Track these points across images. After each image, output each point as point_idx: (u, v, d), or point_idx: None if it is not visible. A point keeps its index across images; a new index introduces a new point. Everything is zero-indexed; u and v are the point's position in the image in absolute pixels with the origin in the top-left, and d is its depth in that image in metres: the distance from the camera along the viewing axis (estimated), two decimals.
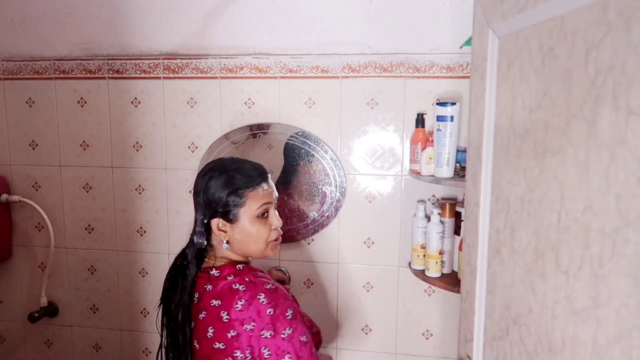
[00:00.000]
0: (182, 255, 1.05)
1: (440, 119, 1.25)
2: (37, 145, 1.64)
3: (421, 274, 1.39)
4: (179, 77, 1.53)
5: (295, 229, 1.52)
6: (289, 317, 0.92)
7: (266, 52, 1.48)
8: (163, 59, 1.53)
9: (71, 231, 1.67)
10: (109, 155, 1.61)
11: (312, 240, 1.54)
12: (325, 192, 1.50)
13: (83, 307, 1.70)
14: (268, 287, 0.94)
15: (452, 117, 1.24)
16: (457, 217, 1.36)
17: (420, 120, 1.36)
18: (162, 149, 1.58)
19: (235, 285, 0.94)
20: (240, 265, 1.00)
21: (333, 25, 1.44)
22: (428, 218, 1.39)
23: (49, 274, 1.66)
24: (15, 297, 1.73)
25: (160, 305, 1.05)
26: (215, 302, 0.93)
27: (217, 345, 0.92)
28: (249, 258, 1.06)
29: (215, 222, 0.99)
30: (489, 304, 0.82)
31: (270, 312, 0.90)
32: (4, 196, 1.62)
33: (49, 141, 1.63)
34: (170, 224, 1.61)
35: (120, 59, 1.55)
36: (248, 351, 0.90)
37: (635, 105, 0.46)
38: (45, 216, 1.61)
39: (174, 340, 0.99)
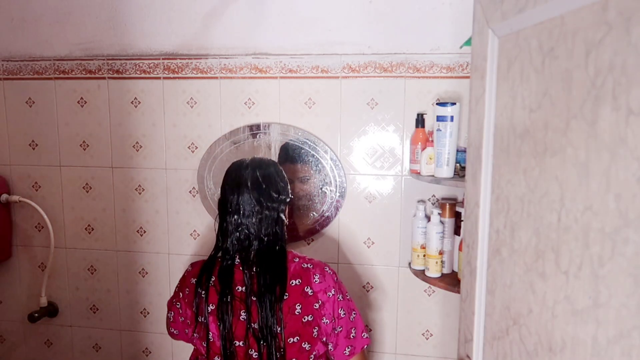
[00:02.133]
0: (269, 238, 1.06)
1: (440, 119, 1.25)
2: (37, 145, 1.64)
3: (421, 274, 1.39)
4: (179, 77, 1.53)
5: (295, 229, 1.52)
6: (342, 282, 1.11)
7: (266, 52, 1.48)
8: (163, 59, 1.53)
9: (71, 231, 1.67)
10: (109, 155, 1.61)
11: (312, 240, 1.54)
12: (325, 192, 1.50)
13: (83, 307, 1.70)
14: (322, 262, 1.10)
15: (452, 117, 1.24)
16: (457, 217, 1.36)
17: (420, 120, 1.36)
18: (162, 149, 1.58)
19: (304, 265, 1.06)
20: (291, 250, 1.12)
21: (333, 25, 1.44)
22: (428, 218, 1.39)
23: (49, 274, 1.66)
24: (15, 297, 1.73)
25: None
26: (295, 282, 1.03)
27: (306, 318, 1.01)
28: None
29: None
30: (488, 304, 0.82)
31: (336, 280, 1.08)
32: (4, 196, 1.62)
33: (49, 141, 1.63)
34: (170, 224, 1.61)
35: (120, 59, 1.55)
36: (331, 315, 1.04)
37: (635, 105, 0.46)
38: (45, 216, 1.61)
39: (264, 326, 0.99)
